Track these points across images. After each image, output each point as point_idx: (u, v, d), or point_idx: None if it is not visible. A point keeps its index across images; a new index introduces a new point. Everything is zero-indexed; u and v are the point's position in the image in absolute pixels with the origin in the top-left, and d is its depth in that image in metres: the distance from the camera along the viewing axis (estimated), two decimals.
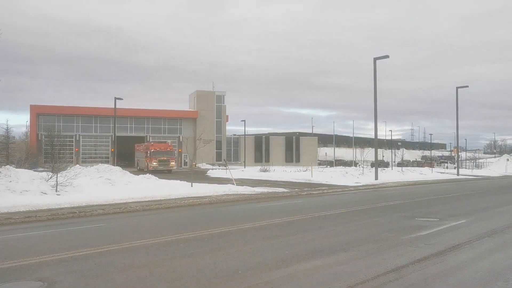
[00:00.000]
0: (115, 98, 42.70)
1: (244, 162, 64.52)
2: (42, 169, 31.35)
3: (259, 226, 11.69)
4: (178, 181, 25.44)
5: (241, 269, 7.11)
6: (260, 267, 7.30)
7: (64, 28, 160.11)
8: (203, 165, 59.98)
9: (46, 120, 58.42)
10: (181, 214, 14.53)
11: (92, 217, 13.49)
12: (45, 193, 17.24)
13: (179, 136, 64.48)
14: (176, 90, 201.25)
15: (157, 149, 44.42)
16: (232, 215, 14.46)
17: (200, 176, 33.48)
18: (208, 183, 26.28)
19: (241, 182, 28.08)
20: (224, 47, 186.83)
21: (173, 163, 45.06)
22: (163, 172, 40.27)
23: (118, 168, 26.96)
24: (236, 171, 40.59)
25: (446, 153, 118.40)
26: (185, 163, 63.42)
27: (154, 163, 43.04)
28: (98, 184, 20.51)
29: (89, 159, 58.10)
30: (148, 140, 63.06)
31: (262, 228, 11.31)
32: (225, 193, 21.13)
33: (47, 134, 54.23)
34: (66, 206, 15.49)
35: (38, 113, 58.66)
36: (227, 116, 71.09)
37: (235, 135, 77.63)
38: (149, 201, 17.57)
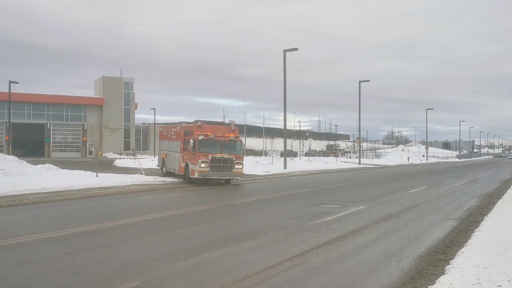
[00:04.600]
0: (10, 82, 39.37)
1: (154, 151, 62.93)
2: None
3: (168, 216, 11.48)
4: (83, 171, 24.08)
5: (147, 260, 6.92)
6: (168, 257, 7.16)
7: None
8: (110, 155, 57.37)
9: None
10: (84, 206, 13.77)
11: None
12: None
13: (84, 124, 61.14)
14: (84, 76, 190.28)
15: (209, 136, 21.33)
16: (140, 206, 14.03)
17: (107, 166, 32.01)
18: (115, 173, 25.23)
19: (151, 172, 27.34)
20: (139, 33, 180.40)
21: (239, 166, 21.83)
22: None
23: (13, 158, 24.81)
24: (146, 161, 39.37)
25: (350, 143, 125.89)
26: (90, 153, 60.31)
27: (203, 165, 20.72)
28: None
29: None
30: (49, 127, 58.81)
31: (171, 218, 11.13)
32: (133, 183, 20.46)
33: None
34: None
35: None
36: (136, 104, 68.73)
37: (144, 123, 75.30)
38: (49, 192, 16.45)
